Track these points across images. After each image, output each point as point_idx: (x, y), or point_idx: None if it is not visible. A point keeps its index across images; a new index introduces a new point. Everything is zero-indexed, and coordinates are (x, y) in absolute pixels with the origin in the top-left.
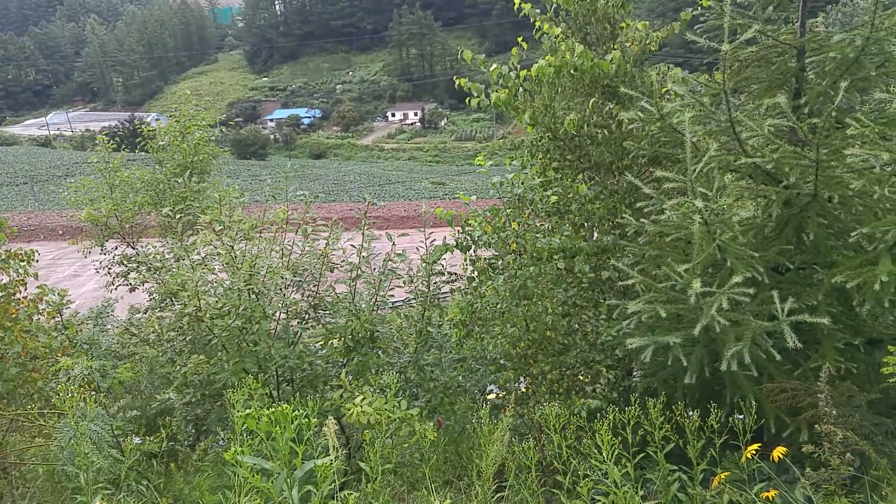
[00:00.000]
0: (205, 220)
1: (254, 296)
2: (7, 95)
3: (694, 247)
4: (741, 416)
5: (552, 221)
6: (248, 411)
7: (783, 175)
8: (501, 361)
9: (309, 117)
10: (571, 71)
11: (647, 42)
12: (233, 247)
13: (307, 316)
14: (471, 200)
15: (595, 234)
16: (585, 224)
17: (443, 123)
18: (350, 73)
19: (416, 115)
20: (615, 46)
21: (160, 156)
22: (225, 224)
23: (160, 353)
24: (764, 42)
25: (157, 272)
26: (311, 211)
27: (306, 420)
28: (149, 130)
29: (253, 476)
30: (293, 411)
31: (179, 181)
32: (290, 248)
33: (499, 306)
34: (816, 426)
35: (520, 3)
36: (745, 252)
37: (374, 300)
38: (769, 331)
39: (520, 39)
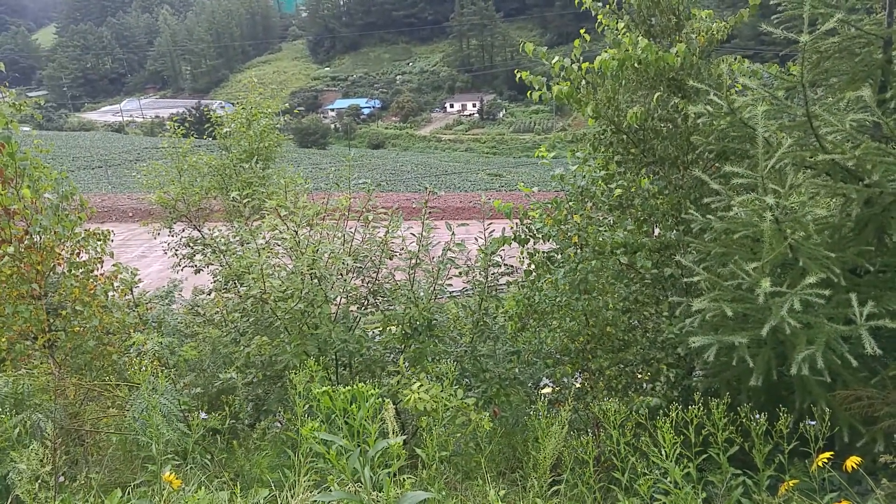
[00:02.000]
0: (271, 205)
1: (316, 280)
2: (86, 83)
3: (763, 245)
4: (812, 423)
5: (614, 215)
6: (325, 388)
7: (865, 173)
8: (558, 356)
9: (369, 107)
10: (635, 64)
11: (715, 33)
12: (297, 232)
13: (366, 302)
14: (531, 192)
15: (657, 230)
16: (648, 219)
17: (501, 115)
18: (410, 63)
19: (474, 105)
20: (680, 38)
21: (227, 142)
22: (290, 210)
23: (224, 334)
24: (846, 32)
25: (222, 255)
26: (373, 199)
27: (378, 401)
28: (216, 117)
29: (328, 452)
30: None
31: (246, 167)
32: (351, 234)
33: (558, 300)
34: (895, 436)
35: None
36: (819, 252)
37: (432, 289)
38: (845, 335)
39: (582, 31)
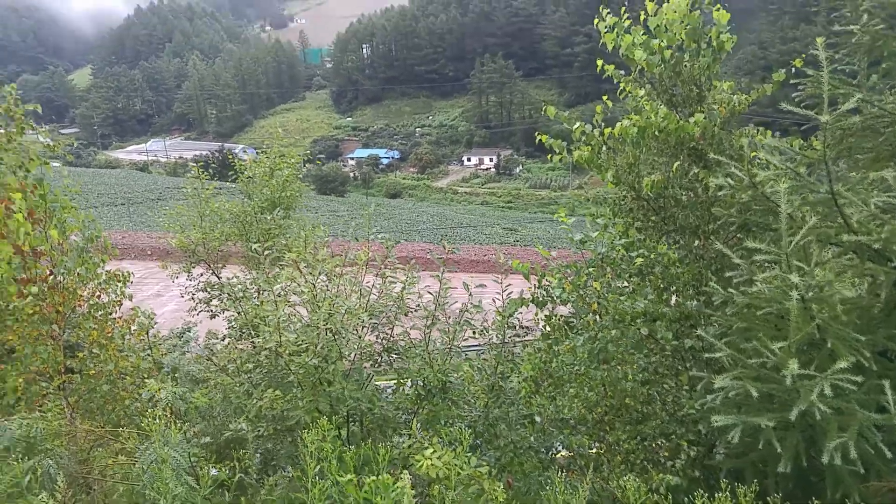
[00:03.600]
0: (291, 257)
1: (331, 335)
2: (115, 122)
3: (790, 324)
4: None
5: (633, 283)
6: (348, 477)
7: (892, 254)
8: (575, 424)
9: (388, 158)
10: (656, 132)
11: (736, 105)
12: (315, 285)
13: (380, 359)
14: (550, 256)
15: (674, 299)
16: (669, 288)
17: (518, 170)
18: (430, 117)
19: (491, 160)
20: (701, 109)
21: (249, 189)
22: (310, 262)
23: (237, 384)
24: (869, 111)
25: (238, 302)
26: (392, 254)
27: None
28: (240, 164)
29: None
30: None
31: (268, 217)
32: (368, 289)
33: (576, 368)
34: None
35: (603, 65)
36: (848, 334)
37: (448, 349)
38: (878, 424)
39: (605, 98)
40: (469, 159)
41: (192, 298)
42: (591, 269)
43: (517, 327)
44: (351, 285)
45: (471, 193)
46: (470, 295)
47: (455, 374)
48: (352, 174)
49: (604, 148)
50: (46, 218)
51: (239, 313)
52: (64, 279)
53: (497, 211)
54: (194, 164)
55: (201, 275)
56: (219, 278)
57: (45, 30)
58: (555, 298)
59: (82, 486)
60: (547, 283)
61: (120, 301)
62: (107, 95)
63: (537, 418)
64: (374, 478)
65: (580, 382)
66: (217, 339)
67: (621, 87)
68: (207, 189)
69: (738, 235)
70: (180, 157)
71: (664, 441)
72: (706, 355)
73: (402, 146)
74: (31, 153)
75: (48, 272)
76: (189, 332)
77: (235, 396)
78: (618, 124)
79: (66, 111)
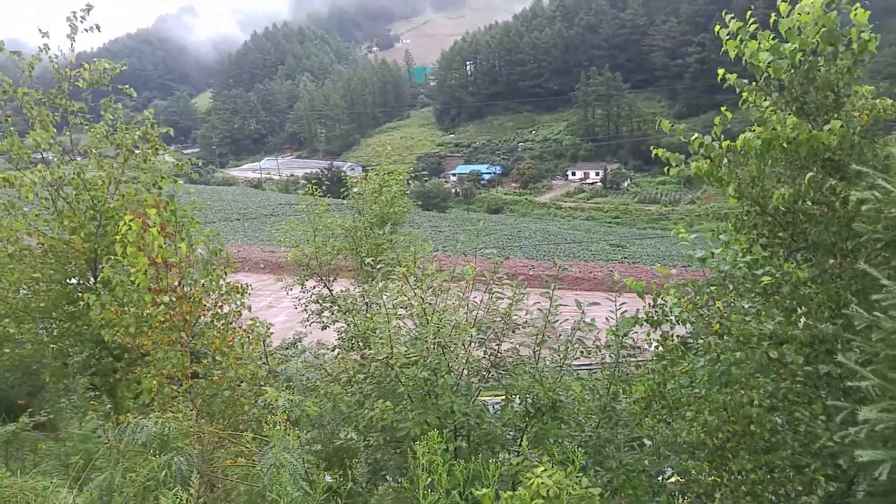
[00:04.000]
0: (401, 271)
1: (440, 349)
2: (232, 142)
3: None
4: None
5: (758, 303)
6: (485, 491)
7: None
8: (692, 450)
9: (489, 173)
10: (784, 144)
11: (881, 111)
12: (423, 299)
13: (487, 375)
14: (669, 274)
15: (803, 321)
16: (797, 309)
17: (625, 185)
18: (533, 131)
19: (597, 174)
20: (838, 116)
21: (359, 205)
22: (419, 277)
23: (347, 393)
24: None
25: (349, 314)
26: (499, 270)
27: None
28: (351, 181)
29: None
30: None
31: (379, 232)
32: (476, 304)
33: (695, 391)
34: None
35: (724, 74)
36: None
37: (560, 367)
38: None
39: (723, 109)
40: (574, 173)
41: (305, 310)
42: (712, 288)
43: (630, 347)
44: (459, 300)
45: (575, 208)
46: (583, 313)
47: (566, 393)
48: (453, 190)
49: (724, 161)
50: (176, 232)
51: (349, 325)
52: (191, 290)
53: (603, 227)
54: (307, 182)
55: (314, 287)
56: (330, 291)
57: (173, 58)
58: (670, 318)
59: (207, 484)
60: (663, 303)
61: (240, 311)
62: (224, 117)
63: (647, 441)
64: (512, 493)
65: (699, 406)
66: (327, 349)
67: (743, 97)
68: (321, 206)
69: (885, 254)
70: (291, 175)
71: (796, 474)
72: (847, 383)
73: (505, 161)
74: (162, 171)
75: (176, 283)
76: (300, 342)
77: (346, 406)
78: (741, 136)
79: (188, 132)
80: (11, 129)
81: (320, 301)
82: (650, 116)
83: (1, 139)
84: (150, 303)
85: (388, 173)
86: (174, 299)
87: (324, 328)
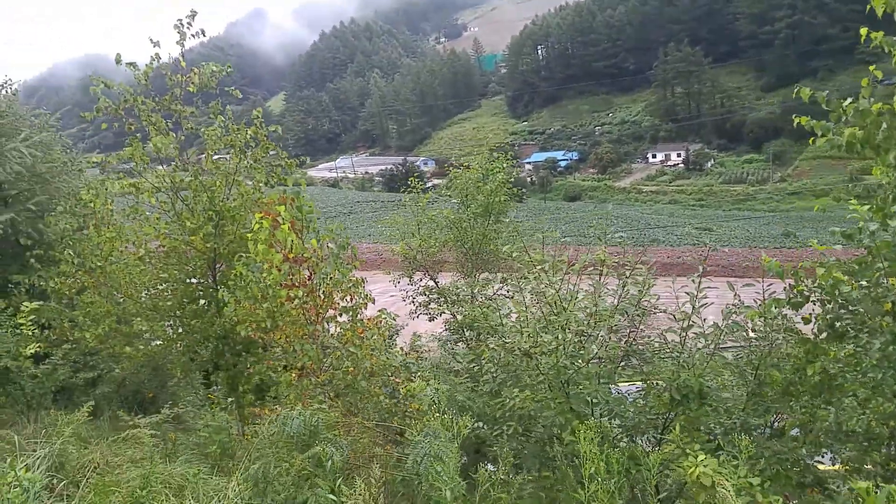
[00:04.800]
0: (535, 259)
1: (579, 337)
2: (307, 143)
3: None
4: None
5: None
6: None
7: None
8: (853, 436)
9: (566, 160)
10: None
11: None
12: (560, 287)
13: (622, 362)
14: (832, 249)
15: None
16: None
17: (709, 165)
18: (610, 114)
19: (678, 156)
20: None
21: (460, 196)
22: (551, 264)
23: (481, 383)
24: None
25: (455, 305)
26: (630, 255)
27: None
28: (454, 172)
29: None
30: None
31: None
32: (608, 291)
33: (869, 374)
34: None
35: (867, 34)
36: None
37: (710, 352)
38: None
39: (872, 68)
40: (654, 156)
41: (412, 302)
42: (888, 264)
43: (780, 329)
44: (597, 286)
45: (657, 192)
46: (736, 295)
47: (715, 379)
48: (529, 178)
49: (883, 126)
50: (304, 227)
51: (454, 315)
52: (322, 284)
53: (687, 210)
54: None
55: (420, 280)
56: (436, 283)
57: (246, 63)
58: (814, 298)
59: (357, 473)
60: (812, 281)
61: (365, 304)
62: (298, 118)
63: (794, 431)
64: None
65: (867, 393)
66: (433, 339)
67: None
68: (423, 199)
69: None
70: (366, 172)
71: None
72: None
73: (581, 147)
74: (289, 168)
75: (307, 278)
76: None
77: (462, 395)
78: None
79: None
80: (137, 136)
81: (427, 293)
82: (735, 91)
83: (114, 148)
84: (285, 298)
85: (491, 161)
86: (306, 294)
87: (431, 319)
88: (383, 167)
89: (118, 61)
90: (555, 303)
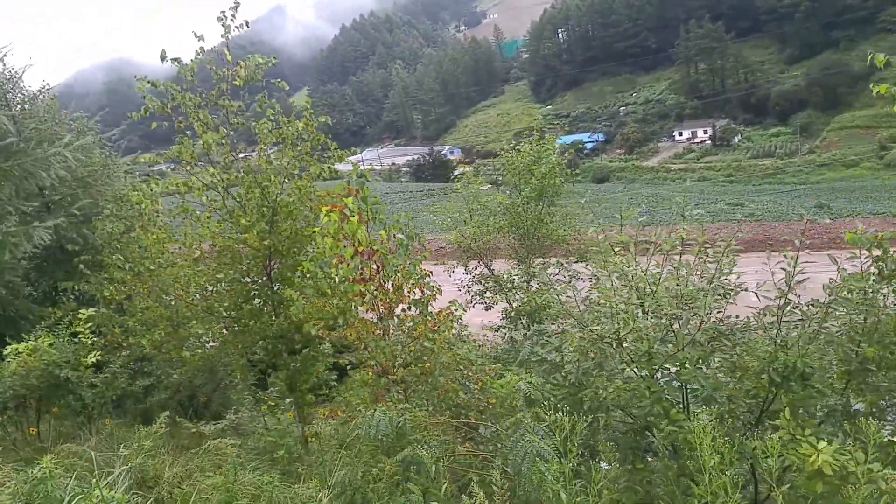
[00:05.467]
0: (622, 240)
1: (668, 320)
2: (333, 137)
3: None
4: None
5: None
6: None
7: None
8: None
9: (592, 142)
10: None
11: None
12: (645, 270)
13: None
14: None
15: None
16: None
17: (736, 140)
18: (634, 94)
19: (705, 132)
20: None
21: (514, 180)
22: (631, 245)
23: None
24: None
25: (511, 291)
26: (705, 234)
27: None
28: (506, 155)
29: None
30: None
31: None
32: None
33: None
34: None
35: None
36: None
37: (815, 331)
38: None
39: None
40: (680, 134)
41: (468, 291)
42: None
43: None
44: (686, 267)
45: (685, 170)
46: (840, 268)
47: (819, 359)
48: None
49: None
50: (371, 219)
51: (510, 303)
52: (391, 277)
53: (717, 186)
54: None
55: (475, 268)
56: (491, 271)
57: None
58: None
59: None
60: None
61: (434, 296)
62: (322, 112)
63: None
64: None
65: None
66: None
67: None
68: (474, 184)
69: None
70: (392, 164)
71: None
72: None
73: (607, 128)
74: (339, 158)
75: (376, 271)
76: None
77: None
78: None
79: None
80: (186, 133)
81: (483, 281)
82: (758, 65)
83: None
84: (356, 293)
85: (541, 142)
86: (376, 288)
87: (487, 308)
88: (409, 158)
89: (163, 57)
90: (643, 286)
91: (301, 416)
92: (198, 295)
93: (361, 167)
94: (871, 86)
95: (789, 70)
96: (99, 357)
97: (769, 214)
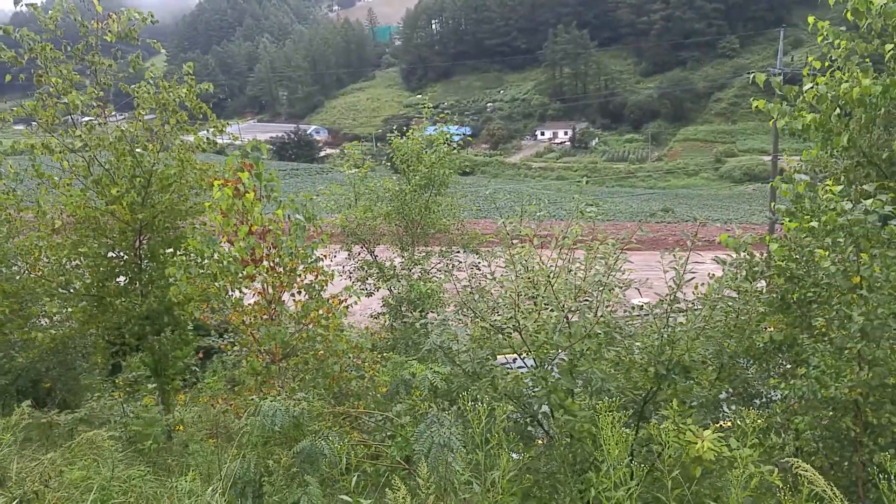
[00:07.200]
0: (526, 233)
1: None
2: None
3: None
4: None
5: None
6: None
7: None
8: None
9: (459, 135)
10: None
11: None
12: (544, 263)
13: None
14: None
15: None
16: None
17: (594, 143)
18: (501, 91)
19: (566, 133)
20: None
21: (403, 167)
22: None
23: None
24: None
25: (391, 280)
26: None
27: None
28: (397, 142)
29: None
30: None
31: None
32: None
33: (848, 344)
34: None
35: (815, 22)
36: None
37: (700, 328)
38: None
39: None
40: (543, 133)
41: (350, 277)
42: (860, 239)
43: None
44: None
45: (545, 168)
46: (725, 266)
47: (702, 354)
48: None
49: (836, 111)
50: (265, 197)
51: (390, 290)
52: (283, 259)
53: (573, 186)
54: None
55: (358, 254)
56: (374, 258)
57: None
58: (769, 271)
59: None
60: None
61: (326, 281)
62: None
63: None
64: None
65: (836, 364)
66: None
67: (834, 44)
68: (362, 169)
69: None
70: (254, 138)
71: None
72: None
73: (474, 122)
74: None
75: (265, 252)
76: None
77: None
78: (854, 87)
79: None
80: (51, 90)
81: (366, 267)
82: (617, 74)
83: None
84: (246, 275)
85: (437, 131)
86: (268, 270)
87: (368, 295)
88: (273, 135)
89: (16, 1)
90: (540, 279)
91: (166, 402)
92: (53, 269)
93: (220, 140)
94: (751, 100)
95: (644, 82)
96: None
97: (620, 215)
